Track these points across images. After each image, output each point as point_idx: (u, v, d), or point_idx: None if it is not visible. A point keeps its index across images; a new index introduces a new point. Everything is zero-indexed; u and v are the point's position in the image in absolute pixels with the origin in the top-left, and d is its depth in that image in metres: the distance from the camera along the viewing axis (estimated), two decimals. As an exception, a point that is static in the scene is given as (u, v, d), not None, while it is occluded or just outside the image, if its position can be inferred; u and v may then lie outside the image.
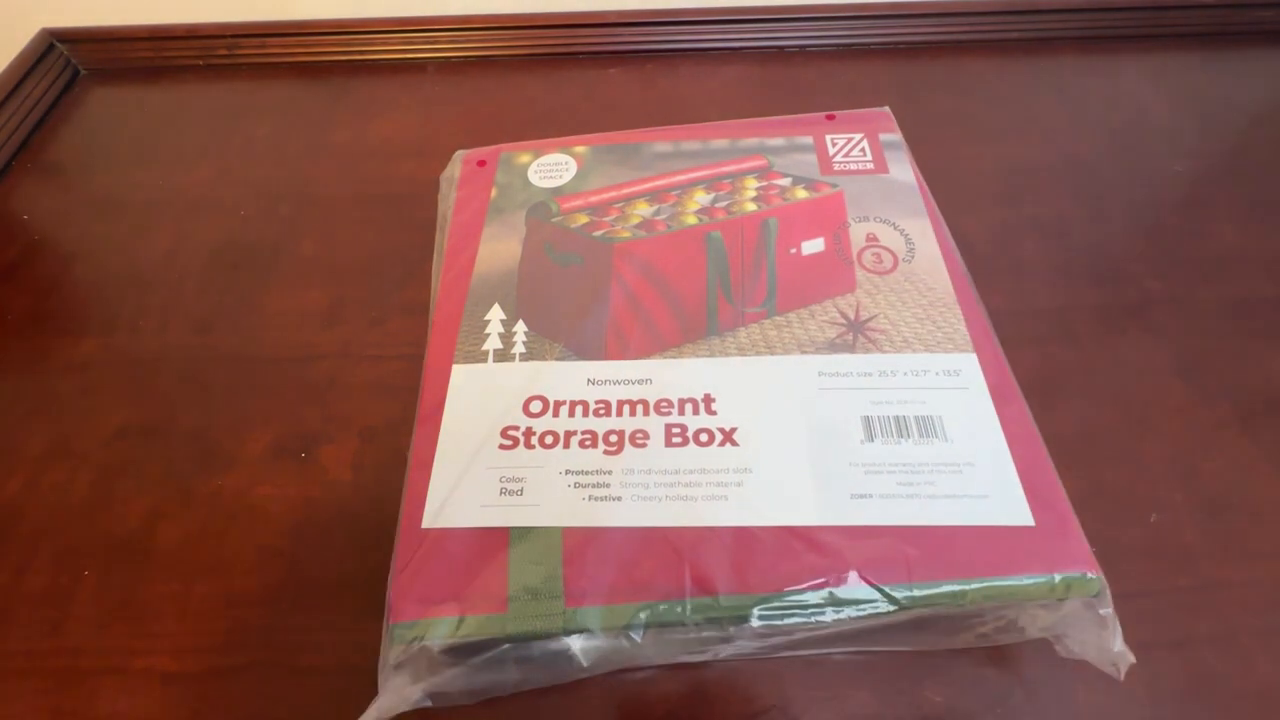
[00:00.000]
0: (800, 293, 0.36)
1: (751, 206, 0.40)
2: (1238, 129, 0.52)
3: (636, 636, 0.27)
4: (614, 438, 0.31)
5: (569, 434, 0.32)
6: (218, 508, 0.35)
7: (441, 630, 0.27)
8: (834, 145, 0.43)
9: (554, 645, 0.27)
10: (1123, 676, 0.27)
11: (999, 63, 0.58)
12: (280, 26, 0.59)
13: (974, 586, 0.27)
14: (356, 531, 0.34)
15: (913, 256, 0.38)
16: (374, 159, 0.52)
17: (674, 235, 0.39)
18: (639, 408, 0.32)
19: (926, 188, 0.41)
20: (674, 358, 0.34)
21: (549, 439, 0.32)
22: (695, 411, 0.32)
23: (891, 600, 0.27)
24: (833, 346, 0.34)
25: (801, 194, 0.41)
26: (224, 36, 0.59)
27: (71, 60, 0.60)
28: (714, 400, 0.32)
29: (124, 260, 0.46)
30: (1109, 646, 0.26)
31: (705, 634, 0.27)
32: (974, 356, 0.33)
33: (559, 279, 0.38)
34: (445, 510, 0.30)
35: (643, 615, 0.27)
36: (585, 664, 0.27)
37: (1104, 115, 0.53)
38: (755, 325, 0.35)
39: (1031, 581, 0.27)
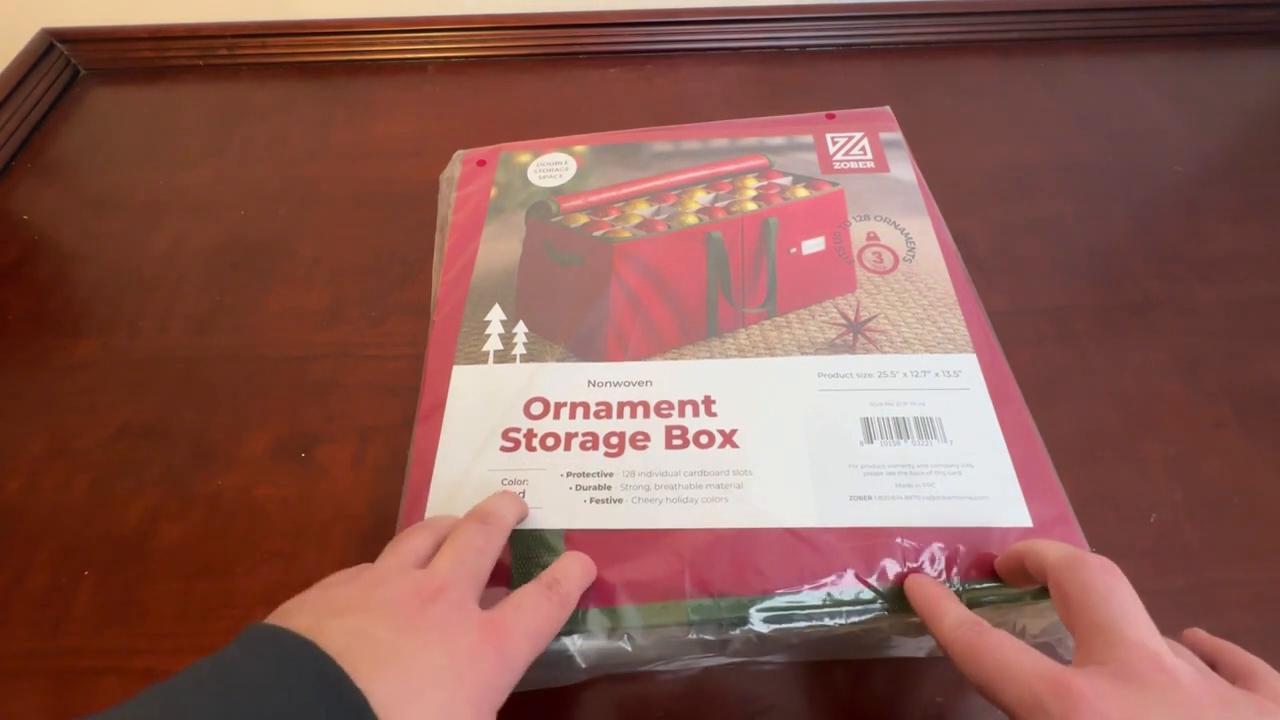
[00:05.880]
0: (800, 292, 0.36)
1: (751, 206, 0.40)
2: (1237, 129, 0.52)
3: (636, 637, 0.27)
4: (615, 440, 0.31)
5: (570, 436, 0.32)
6: (218, 508, 0.35)
7: (442, 631, 0.27)
8: (834, 144, 0.43)
9: (554, 645, 0.27)
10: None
11: (999, 63, 0.58)
12: (280, 26, 0.59)
13: (973, 588, 0.27)
14: (356, 531, 0.34)
15: (913, 256, 0.38)
16: (374, 159, 0.52)
17: (674, 235, 0.39)
18: (639, 409, 0.32)
19: (927, 187, 0.41)
20: (674, 359, 0.34)
21: (550, 441, 0.32)
22: (695, 413, 0.32)
23: (891, 601, 0.27)
24: (832, 347, 0.34)
25: (802, 193, 0.41)
26: (224, 36, 0.59)
27: (71, 60, 0.60)
28: (714, 402, 0.32)
29: (124, 260, 0.46)
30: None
31: (705, 635, 0.27)
32: (974, 357, 0.33)
33: (559, 279, 0.38)
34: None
35: (643, 616, 0.27)
36: (585, 664, 0.27)
37: (1104, 115, 0.53)
38: (755, 326, 0.35)
39: (1031, 582, 0.27)
